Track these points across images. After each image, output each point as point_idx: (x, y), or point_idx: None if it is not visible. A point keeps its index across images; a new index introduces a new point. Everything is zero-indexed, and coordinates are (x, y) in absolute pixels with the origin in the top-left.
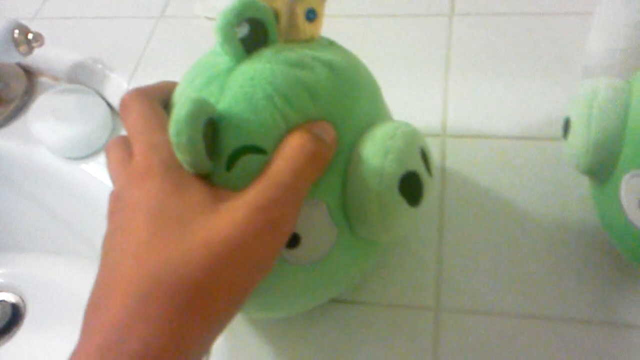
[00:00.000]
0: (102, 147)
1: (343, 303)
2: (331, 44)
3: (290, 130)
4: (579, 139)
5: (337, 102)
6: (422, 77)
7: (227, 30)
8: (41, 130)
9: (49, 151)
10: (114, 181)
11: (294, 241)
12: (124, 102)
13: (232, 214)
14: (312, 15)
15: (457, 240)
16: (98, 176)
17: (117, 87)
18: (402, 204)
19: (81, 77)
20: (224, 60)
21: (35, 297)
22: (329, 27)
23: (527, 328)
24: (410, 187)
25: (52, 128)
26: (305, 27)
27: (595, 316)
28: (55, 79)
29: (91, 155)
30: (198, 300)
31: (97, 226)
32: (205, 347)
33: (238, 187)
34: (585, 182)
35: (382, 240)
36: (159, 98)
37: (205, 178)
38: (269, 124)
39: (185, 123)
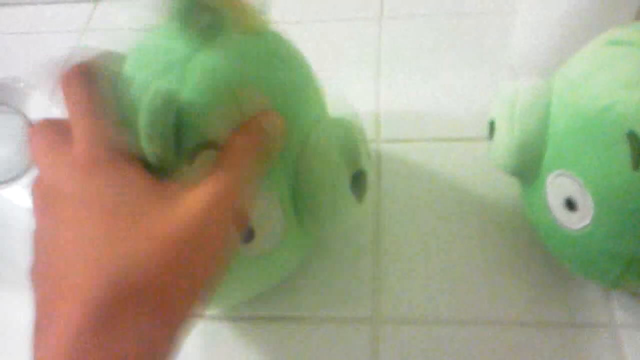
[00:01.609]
0: (24, 170)
1: (278, 320)
2: (277, 35)
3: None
4: (503, 141)
5: (292, 97)
6: (354, 81)
7: (187, 16)
8: None
9: None
10: (41, 169)
11: (249, 236)
12: (65, 80)
13: (190, 206)
14: (265, 9)
15: (393, 248)
16: (20, 202)
17: (40, 106)
18: (351, 199)
19: (1, 97)
20: (180, 46)
21: None
22: None
23: (465, 334)
24: (359, 184)
25: None
26: (258, 19)
27: (530, 317)
28: None
29: (12, 179)
30: (164, 299)
31: (19, 252)
32: (175, 345)
33: (197, 181)
34: (516, 182)
35: (325, 231)
36: (104, 75)
37: (158, 171)
38: (230, 119)
39: (159, 114)
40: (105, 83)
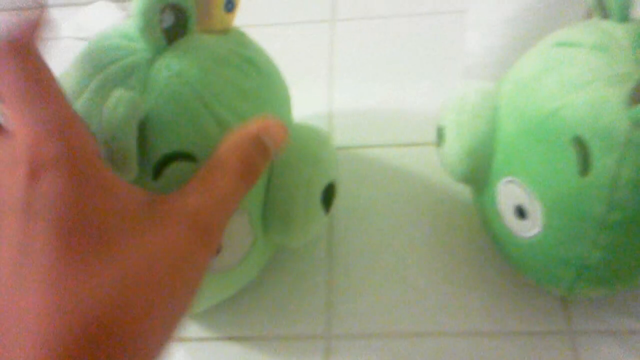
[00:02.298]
0: None
1: (230, 340)
2: (243, 35)
3: (225, 132)
4: (452, 148)
5: (265, 103)
6: (306, 86)
7: (150, 16)
8: None
9: None
10: None
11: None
12: None
13: (172, 229)
14: (230, 6)
15: (347, 260)
16: None
17: None
18: (322, 211)
19: None
20: (139, 47)
21: None
22: None
23: (421, 346)
24: (329, 196)
25: None
26: (223, 18)
27: (487, 326)
28: None
29: None
30: (141, 342)
31: None
32: None
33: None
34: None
35: (294, 246)
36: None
37: None
38: (201, 127)
39: (122, 126)
40: (42, 58)
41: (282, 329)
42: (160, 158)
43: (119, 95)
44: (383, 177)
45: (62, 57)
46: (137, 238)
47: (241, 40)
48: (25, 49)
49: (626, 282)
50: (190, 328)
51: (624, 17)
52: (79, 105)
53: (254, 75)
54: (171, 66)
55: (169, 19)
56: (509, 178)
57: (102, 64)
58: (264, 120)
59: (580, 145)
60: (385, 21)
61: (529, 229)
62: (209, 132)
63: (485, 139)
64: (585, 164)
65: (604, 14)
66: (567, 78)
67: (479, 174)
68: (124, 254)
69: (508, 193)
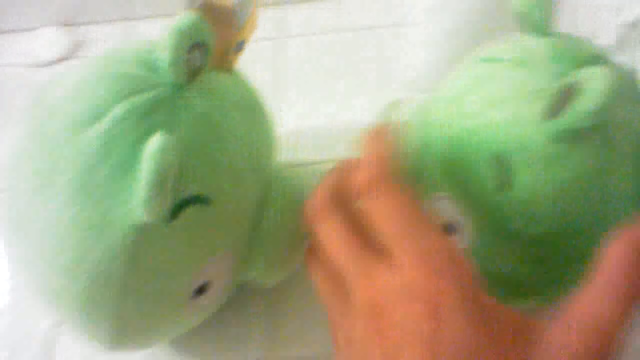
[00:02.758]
0: None
1: None
2: (243, 76)
3: (237, 177)
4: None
5: (268, 148)
6: None
7: (180, 52)
8: None
9: None
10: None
11: (200, 290)
12: (365, 186)
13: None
14: (240, 47)
15: (287, 283)
16: None
17: None
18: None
19: None
20: (160, 79)
21: None
22: None
23: None
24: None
25: None
26: (232, 58)
27: None
28: None
29: None
30: None
31: None
32: None
33: (177, 240)
34: None
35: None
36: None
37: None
38: (219, 172)
39: (170, 172)
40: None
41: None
42: (180, 201)
43: (165, 140)
44: None
45: (6, 85)
46: None
47: (243, 81)
48: (395, 185)
49: (558, 293)
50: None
51: (544, 32)
52: (99, 131)
53: (259, 118)
54: (195, 106)
55: (196, 58)
56: (439, 194)
57: (122, 93)
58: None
59: (499, 162)
60: (329, 37)
61: (459, 245)
62: (224, 177)
63: (415, 156)
64: (504, 180)
65: (526, 28)
66: (488, 95)
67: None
68: None
69: (439, 208)
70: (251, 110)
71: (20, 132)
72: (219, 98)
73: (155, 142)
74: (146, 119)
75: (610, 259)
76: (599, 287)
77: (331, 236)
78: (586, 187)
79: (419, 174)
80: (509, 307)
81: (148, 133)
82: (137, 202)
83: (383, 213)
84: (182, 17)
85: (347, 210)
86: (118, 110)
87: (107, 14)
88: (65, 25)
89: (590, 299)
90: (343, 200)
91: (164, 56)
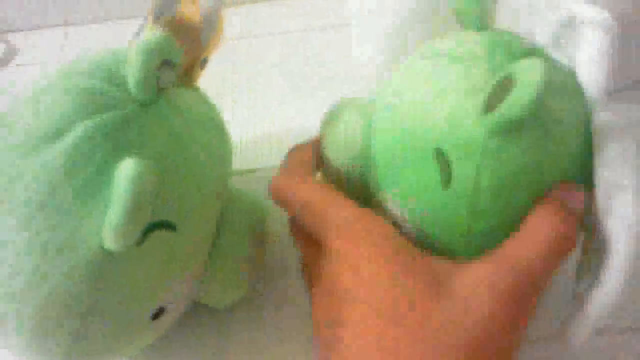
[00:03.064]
0: None
1: None
2: (202, 92)
3: (204, 201)
4: (332, 166)
5: (227, 166)
6: None
7: (149, 70)
8: None
9: None
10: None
11: (157, 313)
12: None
13: (474, 301)
14: (204, 64)
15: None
16: None
17: None
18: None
19: None
20: (125, 95)
21: None
22: None
23: None
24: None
25: None
26: (197, 75)
27: None
28: None
29: None
30: None
31: None
32: None
33: (141, 264)
34: None
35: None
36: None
37: None
38: (186, 196)
39: (148, 199)
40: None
41: None
42: (147, 225)
43: (142, 165)
44: None
45: None
46: (447, 312)
47: (205, 97)
48: (290, 190)
49: None
50: None
51: (481, 26)
52: (61, 148)
53: (221, 137)
54: (163, 126)
55: (165, 76)
56: (385, 193)
57: (88, 108)
58: (564, 186)
59: (441, 157)
60: (278, 38)
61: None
62: (192, 201)
63: (360, 156)
64: (446, 175)
65: (465, 24)
66: (428, 91)
67: (358, 190)
68: (439, 330)
69: (386, 208)
70: (215, 129)
71: None
72: (186, 117)
73: (130, 166)
74: (114, 138)
75: (537, 213)
76: (524, 235)
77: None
78: (526, 180)
79: (365, 174)
80: (435, 258)
81: (116, 152)
82: (108, 227)
83: (305, 194)
84: (151, 34)
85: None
86: (84, 127)
87: (44, 19)
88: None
89: (515, 245)
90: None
91: (133, 74)
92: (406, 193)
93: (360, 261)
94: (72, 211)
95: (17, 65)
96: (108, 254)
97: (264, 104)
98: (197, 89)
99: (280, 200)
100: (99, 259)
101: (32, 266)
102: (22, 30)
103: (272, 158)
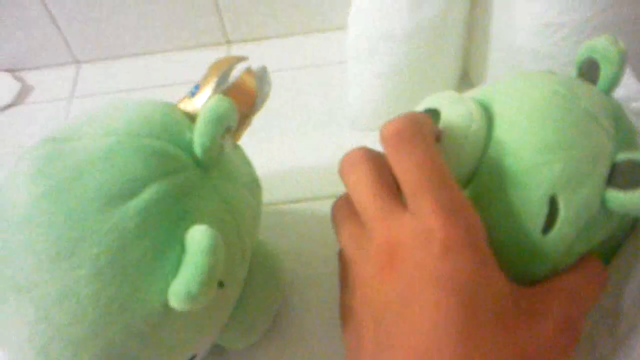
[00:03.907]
0: None
1: None
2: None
3: (244, 261)
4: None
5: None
6: None
7: (216, 139)
8: None
9: None
10: (378, 226)
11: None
12: (392, 137)
13: (541, 328)
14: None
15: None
16: None
17: None
18: None
19: None
20: (187, 159)
21: None
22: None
23: None
24: None
25: None
26: (242, 134)
27: None
28: None
29: None
30: None
31: None
32: None
33: (191, 320)
34: None
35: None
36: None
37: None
38: (232, 257)
39: (219, 267)
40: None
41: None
42: None
43: (216, 236)
44: (278, 236)
45: None
46: (509, 331)
47: (244, 156)
48: (416, 140)
49: None
50: None
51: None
52: (134, 208)
53: (257, 196)
54: (218, 191)
55: (224, 141)
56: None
57: (159, 170)
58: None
59: (552, 203)
60: (276, 75)
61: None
62: (235, 262)
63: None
64: (551, 223)
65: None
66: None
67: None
68: (515, 345)
69: None
70: (255, 188)
71: (34, 186)
72: (235, 180)
73: (206, 235)
74: (181, 202)
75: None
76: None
77: (358, 183)
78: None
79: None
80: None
81: (181, 217)
82: (182, 292)
83: (409, 162)
84: (219, 103)
85: (377, 161)
86: (156, 189)
87: (56, 57)
88: (10, 70)
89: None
90: (375, 154)
91: (202, 141)
92: (495, 213)
93: (452, 244)
94: (138, 270)
95: (32, 103)
96: (165, 313)
97: (260, 144)
98: (239, 148)
99: (394, 144)
100: (156, 318)
101: (94, 317)
102: (34, 69)
103: (275, 194)
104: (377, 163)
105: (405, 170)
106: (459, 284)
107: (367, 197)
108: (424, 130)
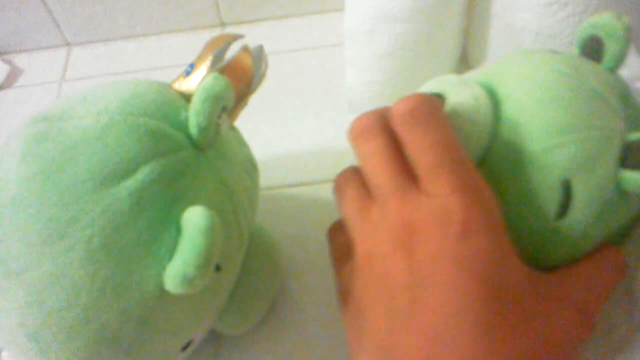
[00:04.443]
0: None
1: None
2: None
3: (242, 242)
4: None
5: (257, 204)
6: None
7: (212, 118)
8: None
9: None
10: (394, 205)
11: (187, 345)
12: (407, 114)
13: (560, 315)
14: (245, 104)
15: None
16: None
17: None
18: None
19: None
20: (183, 139)
21: None
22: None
23: None
24: None
25: None
26: (238, 115)
27: None
28: None
29: None
30: None
31: None
32: None
33: (186, 304)
34: None
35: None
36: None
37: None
38: (230, 238)
39: (217, 250)
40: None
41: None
42: None
43: (213, 218)
44: (276, 221)
45: None
46: (528, 317)
47: (241, 137)
48: (431, 119)
49: None
50: None
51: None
52: (127, 188)
53: (254, 177)
54: (215, 171)
55: (225, 122)
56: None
57: (153, 150)
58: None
59: (566, 187)
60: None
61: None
62: (233, 244)
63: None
64: (565, 208)
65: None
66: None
67: None
68: (537, 330)
69: None
70: (252, 170)
71: (24, 166)
72: (231, 161)
73: (203, 216)
74: (175, 182)
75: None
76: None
77: (372, 155)
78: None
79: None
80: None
81: (175, 198)
82: (178, 275)
83: (424, 142)
84: (215, 81)
85: (391, 135)
86: (150, 169)
87: (46, 40)
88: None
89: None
90: (388, 126)
91: (198, 121)
92: (507, 200)
93: (470, 225)
94: (132, 253)
95: (21, 86)
96: (160, 297)
97: (256, 126)
98: (235, 130)
99: (408, 123)
100: (151, 302)
101: (87, 302)
102: (24, 51)
103: (272, 179)
104: (393, 136)
105: (421, 150)
106: (479, 267)
107: (382, 170)
108: (438, 108)
